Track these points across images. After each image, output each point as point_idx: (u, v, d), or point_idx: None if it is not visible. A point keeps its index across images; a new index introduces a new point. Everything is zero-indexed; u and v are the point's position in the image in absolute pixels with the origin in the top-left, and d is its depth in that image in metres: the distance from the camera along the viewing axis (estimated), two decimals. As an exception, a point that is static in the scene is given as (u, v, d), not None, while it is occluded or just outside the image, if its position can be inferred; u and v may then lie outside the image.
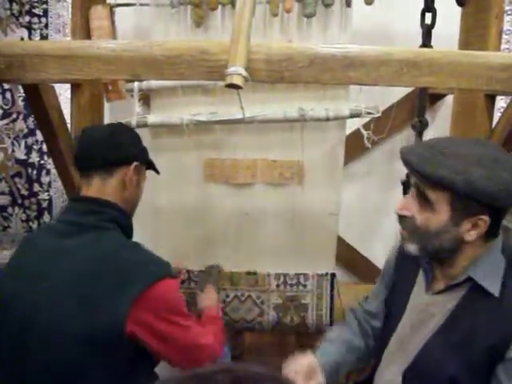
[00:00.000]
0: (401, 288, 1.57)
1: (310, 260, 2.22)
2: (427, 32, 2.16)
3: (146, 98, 2.12)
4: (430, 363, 1.36)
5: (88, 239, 1.50)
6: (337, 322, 2.24)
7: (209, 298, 2.01)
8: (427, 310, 1.41)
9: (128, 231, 1.63)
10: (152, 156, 1.77)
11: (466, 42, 2.05)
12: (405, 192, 2.31)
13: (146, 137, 1.97)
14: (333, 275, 2.24)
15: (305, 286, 2.24)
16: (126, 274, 1.43)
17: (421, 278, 1.50)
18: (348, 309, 1.82)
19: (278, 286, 2.24)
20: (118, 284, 1.40)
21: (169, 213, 2.19)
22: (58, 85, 2.34)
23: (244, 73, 1.39)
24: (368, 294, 2.29)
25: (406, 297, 1.52)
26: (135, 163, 1.62)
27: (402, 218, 1.36)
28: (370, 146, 2.09)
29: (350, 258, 2.67)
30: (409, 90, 2.47)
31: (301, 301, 2.24)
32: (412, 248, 1.37)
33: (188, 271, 2.24)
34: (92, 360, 1.39)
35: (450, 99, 2.33)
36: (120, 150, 1.60)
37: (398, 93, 2.48)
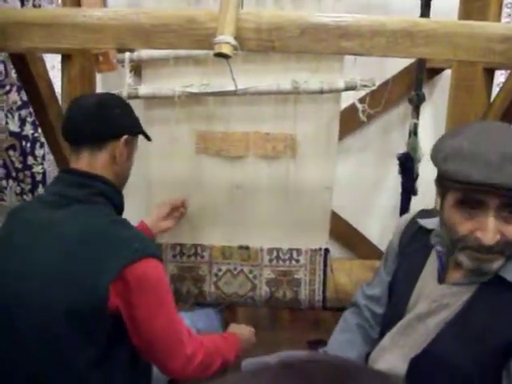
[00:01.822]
0: (406, 272, 1.50)
1: (304, 235, 2.16)
2: (426, 3, 2.09)
3: (137, 69, 2.05)
4: (442, 354, 1.30)
5: (75, 212, 1.45)
6: (329, 298, 2.20)
7: (243, 329, 1.86)
8: (441, 300, 1.34)
9: (119, 206, 1.57)
10: (145, 128, 1.70)
11: (465, 14, 1.98)
12: (401, 168, 2.26)
13: (139, 108, 1.92)
14: (326, 250, 2.19)
15: (298, 260, 2.18)
16: (110, 248, 1.37)
17: (431, 266, 1.42)
18: (346, 310, 1.74)
19: (270, 260, 2.19)
20: (102, 258, 1.36)
21: (160, 185, 2.13)
22: (51, 56, 2.30)
23: (233, 41, 1.32)
24: (363, 272, 2.28)
25: (413, 282, 1.45)
26: (125, 136, 1.55)
27: (491, 246, 1.22)
28: (365, 119, 2.02)
29: (344, 234, 2.62)
30: (406, 63, 2.40)
31: (293, 276, 2.19)
32: (498, 264, 1.25)
33: (180, 245, 2.19)
34: (75, 334, 1.35)
35: (448, 74, 2.26)
36: (109, 123, 1.54)
37: (395, 67, 2.40)
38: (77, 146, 1.53)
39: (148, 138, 1.74)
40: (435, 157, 1.28)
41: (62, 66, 2.06)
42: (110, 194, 1.52)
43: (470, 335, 1.27)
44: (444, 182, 1.27)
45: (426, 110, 2.40)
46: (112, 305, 1.34)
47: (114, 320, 1.37)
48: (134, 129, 1.63)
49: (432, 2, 2.07)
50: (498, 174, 1.15)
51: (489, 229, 1.20)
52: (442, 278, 1.39)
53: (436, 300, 1.35)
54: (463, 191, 1.22)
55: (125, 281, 1.34)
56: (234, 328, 1.84)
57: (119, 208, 1.57)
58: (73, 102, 1.59)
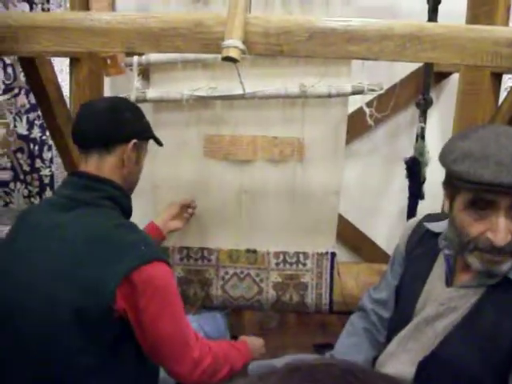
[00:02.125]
0: (414, 276, 1.51)
1: (310, 238, 2.17)
2: (433, 8, 2.09)
3: (145, 73, 2.06)
4: (450, 357, 1.30)
5: (81, 215, 1.45)
6: (336, 301, 2.20)
7: (254, 340, 1.87)
8: (449, 303, 1.35)
9: (127, 210, 1.57)
10: (153, 131, 1.71)
11: (472, 18, 1.98)
12: (408, 172, 2.26)
13: (147, 112, 1.92)
14: (333, 254, 2.19)
15: (304, 264, 2.19)
16: (116, 252, 1.37)
17: (439, 269, 1.43)
18: (353, 314, 1.75)
19: (277, 264, 2.19)
20: (108, 261, 1.35)
21: (168, 188, 2.14)
22: (60, 59, 2.31)
23: (241, 46, 1.33)
24: (370, 275, 2.28)
25: (420, 286, 1.45)
26: (134, 141, 1.54)
27: (502, 247, 1.23)
28: (372, 123, 2.02)
29: (351, 237, 2.61)
30: (413, 67, 2.40)
31: (300, 279, 2.19)
32: (507, 265, 1.26)
33: (187, 248, 2.19)
34: (80, 336, 1.34)
35: (455, 78, 2.26)
36: (118, 126, 1.53)
37: (403, 71, 2.40)
38: (86, 149, 1.53)
39: (159, 142, 1.74)
40: (445, 158, 1.28)
41: (71, 69, 2.06)
42: (118, 198, 1.52)
43: (478, 338, 1.27)
44: (454, 184, 1.27)
45: (433, 114, 2.40)
46: (119, 308, 1.34)
47: (120, 323, 1.37)
48: (144, 133, 1.63)
49: (439, 7, 2.08)
50: (509, 173, 1.16)
51: (500, 229, 1.21)
52: (449, 281, 1.39)
53: (444, 303, 1.36)
54: (474, 192, 1.23)
55: (131, 284, 1.34)
56: (244, 338, 1.84)
57: (127, 212, 1.57)
58: (84, 106, 1.59)
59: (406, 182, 2.30)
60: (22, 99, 2.51)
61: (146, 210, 2.10)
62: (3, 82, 2.50)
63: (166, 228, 2.00)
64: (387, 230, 2.63)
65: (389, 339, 1.51)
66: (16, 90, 2.51)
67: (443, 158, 1.29)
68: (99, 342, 1.37)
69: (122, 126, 1.54)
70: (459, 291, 1.35)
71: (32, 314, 1.37)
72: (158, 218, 2.00)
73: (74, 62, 2.04)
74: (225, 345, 1.68)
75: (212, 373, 1.51)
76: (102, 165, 1.52)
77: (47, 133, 2.49)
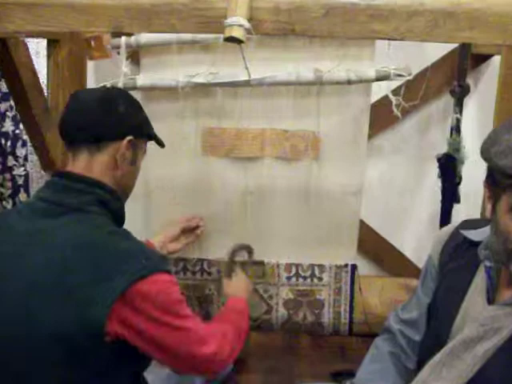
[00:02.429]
0: (449, 292, 1.50)
1: (327, 249, 2.17)
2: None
3: (135, 56, 2.07)
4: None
5: (69, 222, 1.43)
6: (357, 321, 2.20)
7: (236, 286, 1.97)
8: (491, 323, 1.34)
9: (119, 217, 1.56)
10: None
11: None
12: (441, 171, 2.26)
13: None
14: (353, 267, 2.20)
15: (320, 278, 2.20)
16: (110, 264, 1.35)
17: (479, 284, 1.42)
18: (378, 337, 1.75)
19: (288, 278, 2.20)
20: (100, 276, 1.33)
21: (161, 191, 2.15)
22: (35, 41, 2.31)
23: (246, 24, 1.33)
24: (396, 291, 2.28)
25: (457, 304, 1.44)
26: (128, 137, 1.53)
27: None
28: (399, 114, 2.02)
29: (374, 247, 2.62)
30: (447, 49, 2.40)
31: (315, 296, 2.20)
32: None
33: (183, 260, 2.20)
34: (66, 362, 1.34)
35: (496, 61, 2.26)
36: (111, 121, 1.52)
37: (435, 53, 2.40)
38: (74, 146, 1.52)
39: (160, 143, 1.74)
40: (488, 152, 1.27)
41: (48, 52, 2.07)
42: (109, 203, 1.51)
43: None
44: (498, 181, 1.26)
45: (470, 104, 2.41)
46: (114, 329, 1.33)
47: (117, 346, 1.36)
48: (141, 130, 1.62)
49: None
50: None
51: None
52: (491, 298, 1.39)
53: (485, 323, 1.35)
54: None
55: (130, 301, 1.32)
56: (229, 288, 1.97)
57: (119, 219, 1.56)
58: (73, 96, 1.59)
59: (438, 183, 2.30)
60: (-8, 87, 2.53)
61: (138, 219, 2.11)
62: (-29, 68, 2.51)
63: (164, 249, 2.00)
64: (416, 238, 2.64)
65: (420, 366, 1.51)
66: (-15, 77, 2.52)
67: (485, 151, 1.28)
68: (90, 368, 1.36)
69: (114, 120, 1.52)
70: (504, 309, 1.34)
71: (12, 334, 1.37)
72: (156, 237, 2.01)
73: (52, 43, 2.05)
74: (230, 320, 1.72)
75: (231, 353, 1.58)
76: (92, 164, 1.50)
77: (21, 126, 2.49)
